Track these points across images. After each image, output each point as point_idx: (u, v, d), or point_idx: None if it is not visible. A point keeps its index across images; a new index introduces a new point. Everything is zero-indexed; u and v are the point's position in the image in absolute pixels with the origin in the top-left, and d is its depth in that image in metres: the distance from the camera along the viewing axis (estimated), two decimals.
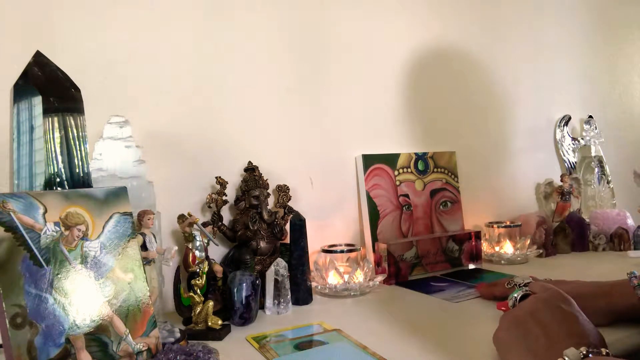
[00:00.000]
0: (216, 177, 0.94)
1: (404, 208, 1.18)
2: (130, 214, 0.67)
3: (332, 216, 1.13)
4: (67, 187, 0.80)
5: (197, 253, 0.81)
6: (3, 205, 0.56)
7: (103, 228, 0.63)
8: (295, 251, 0.93)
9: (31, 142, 0.80)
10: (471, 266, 1.17)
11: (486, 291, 0.90)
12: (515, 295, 0.69)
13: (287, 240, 0.97)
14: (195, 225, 0.82)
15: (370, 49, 1.20)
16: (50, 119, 0.81)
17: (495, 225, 1.26)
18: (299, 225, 0.94)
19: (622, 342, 0.68)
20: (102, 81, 0.88)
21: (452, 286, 1.00)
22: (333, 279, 0.97)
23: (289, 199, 1.01)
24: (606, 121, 1.67)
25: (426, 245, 1.11)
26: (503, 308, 0.75)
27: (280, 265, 0.88)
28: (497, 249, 1.23)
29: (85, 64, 0.87)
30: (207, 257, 0.84)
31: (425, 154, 1.24)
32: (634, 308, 0.69)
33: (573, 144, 1.57)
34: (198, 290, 0.78)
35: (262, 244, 0.95)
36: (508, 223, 1.25)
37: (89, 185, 0.82)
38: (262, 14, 1.05)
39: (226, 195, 0.94)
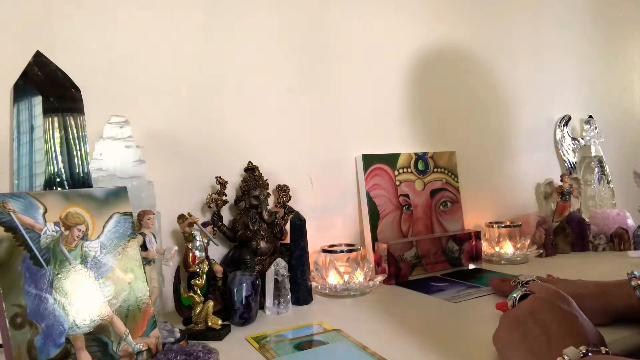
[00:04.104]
0: (216, 177, 0.94)
1: (404, 208, 1.18)
2: (130, 214, 0.67)
3: (332, 216, 1.13)
4: (67, 187, 0.80)
5: (197, 253, 0.81)
6: (3, 205, 0.56)
7: (103, 228, 0.63)
8: (295, 251, 0.93)
9: (31, 142, 0.80)
10: (471, 266, 1.17)
11: (497, 286, 0.92)
12: (515, 295, 0.69)
13: (287, 240, 0.97)
14: (195, 225, 0.82)
15: (371, 49, 1.20)
16: (50, 119, 0.81)
17: (495, 225, 1.26)
18: (299, 225, 0.94)
19: (621, 342, 0.68)
20: (102, 81, 0.88)
21: (452, 286, 1.00)
22: (333, 279, 0.97)
23: (289, 199, 1.01)
24: (606, 121, 1.67)
25: (426, 245, 1.11)
26: (503, 308, 0.75)
27: (280, 265, 0.88)
28: (497, 249, 1.23)
29: (85, 64, 0.87)
30: (207, 257, 0.84)
31: (425, 154, 1.24)
32: (634, 309, 0.69)
33: (573, 144, 1.57)
34: (198, 290, 0.78)
35: (262, 244, 0.95)
36: (508, 223, 1.25)
37: (89, 185, 0.82)
38: (262, 14, 1.05)
39: (226, 195, 0.94)
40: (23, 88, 0.80)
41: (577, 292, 0.70)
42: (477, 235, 1.18)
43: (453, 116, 1.33)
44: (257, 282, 0.83)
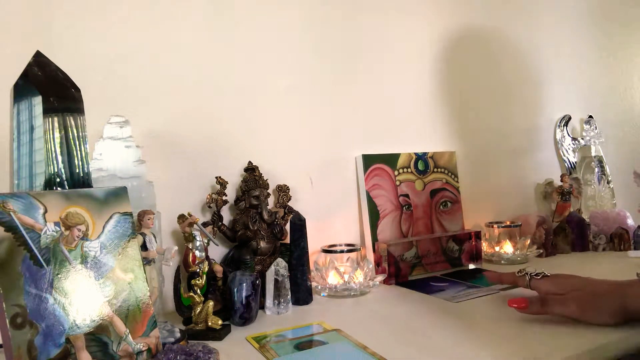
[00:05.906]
0: (216, 177, 0.94)
1: (404, 208, 1.18)
2: (130, 214, 0.67)
3: (332, 216, 1.13)
4: (67, 187, 0.80)
5: (197, 253, 0.81)
6: (3, 205, 0.56)
7: (103, 228, 0.63)
8: (295, 251, 0.93)
9: (31, 142, 0.80)
10: (471, 266, 1.17)
11: (494, 275, 0.89)
12: (530, 271, 0.74)
13: (287, 240, 0.97)
14: (195, 225, 0.82)
15: (371, 50, 1.20)
16: (50, 119, 0.80)
17: (495, 225, 1.26)
18: (299, 225, 0.94)
19: (622, 342, 0.67)
20: (102, 81, 0.88)
21: (452, 286, 1.00)
22: (333, 279, 0.97)
23: (289, 199, 1.01)
24: (606, 121, 1.67)
25: (426, 245, 1.11)
26: (514, 305, 0.74)
27: (280, 265, 0.88)
28: (497, 249, 1.23)
29: (85, 64, 0.87)
30: (207, 257, 0.84)
31: (425, 154, 1.24)
32: None
33: (573, 144, 1.57)
34: (198, 290, 0.78)
35: (262, 244, 0.95)
36: (508, 223, 1.25)
37: (89, 185, 0.82)
38: (263, 14, 1.05)
39: (226, 195, 0.94)
40: (23, 88, 0.80)
41: (593, 290, 0.70)
42: (477, 235, 1.18)
43: (453, 116, 1.33)
44: (257, 282, 0.83)
